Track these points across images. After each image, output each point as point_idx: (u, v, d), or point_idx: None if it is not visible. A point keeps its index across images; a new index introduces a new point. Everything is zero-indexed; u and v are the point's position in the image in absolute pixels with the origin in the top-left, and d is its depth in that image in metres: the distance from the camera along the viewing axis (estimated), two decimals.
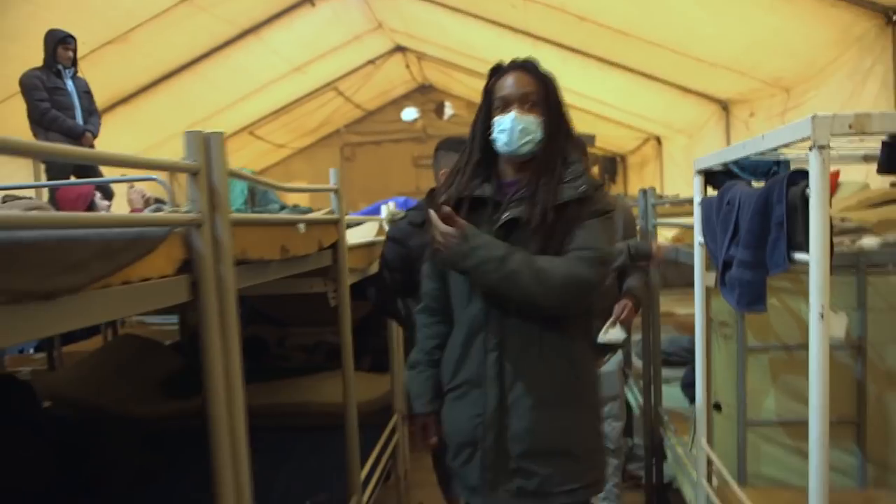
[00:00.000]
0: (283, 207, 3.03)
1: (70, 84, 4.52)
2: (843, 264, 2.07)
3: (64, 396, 3.47)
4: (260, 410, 2.85)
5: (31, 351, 5.20)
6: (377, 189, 9.09)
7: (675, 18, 5.40)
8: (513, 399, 1.62)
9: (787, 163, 2.10)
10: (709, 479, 2.22)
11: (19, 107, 4.53)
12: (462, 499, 1.81)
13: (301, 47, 8.16)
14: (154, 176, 1.71)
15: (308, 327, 4.45)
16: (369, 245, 2.97)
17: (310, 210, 2.87)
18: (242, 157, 10.06)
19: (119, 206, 4.57)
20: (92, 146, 4.50)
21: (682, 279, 4.11)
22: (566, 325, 1.64)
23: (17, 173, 6.20)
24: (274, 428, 3.04)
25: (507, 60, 1.71)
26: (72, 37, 4.51)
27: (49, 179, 4.49)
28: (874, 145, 1.83)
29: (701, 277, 2.23)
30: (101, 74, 5.24)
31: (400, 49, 9.99)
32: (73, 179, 4.39)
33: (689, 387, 2.82)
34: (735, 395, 2.22)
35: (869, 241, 2.11)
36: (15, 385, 2.96)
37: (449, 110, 11.66)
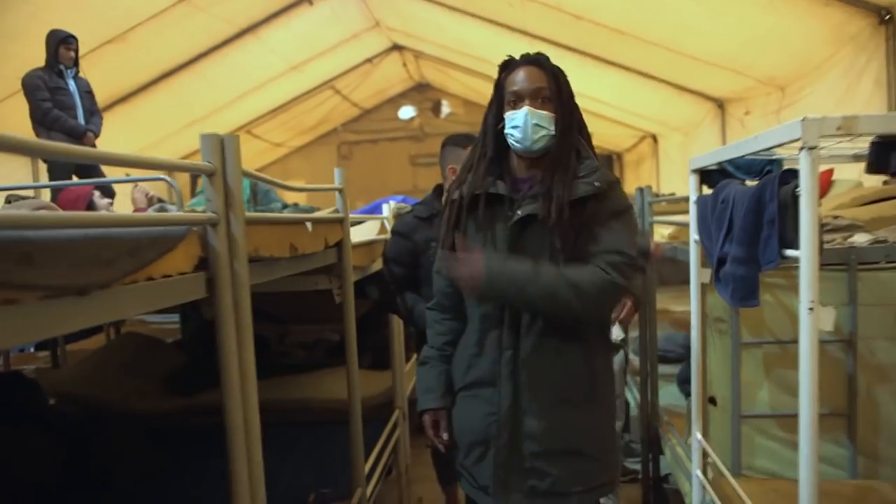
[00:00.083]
0: (285, 206, 3.08)
1: (72, 84, 4.55)
2: (835, 261, 2.11)
3: (68, 393, 3.52)
4: (263, 406, 2.89)
5: (32, 349, 5.24)
6: (374, 188, 9.12)
7: (671, 17, 5.44)
8: (527, 398, 1.60)
9: (779, 162, 2.17)
10: (704, 471, 2.27)
11: (19, 106, 4.56)
12: (467, 496, 1.80)
13: (299, 46, 8.18)
14: (162, 176, 1.75)
15: (308, 325, 4.51)
16: (370, 243, 3.01)
17: (312, 209, 2.92)
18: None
19: (121, 205, 4.60)
20: (94, 146, 4.53)
21: (677, 277, 4.16)
22: (582, 323, 1.62)
23: (17, 172, 6.22)
24: (276, 423, 3.09)
25: (517, 55, 1.68)
26: (73, 37, 4.54)
27: (51, 179, 4.52)
28: (865, 145, 1.89)
29: (696, 274, 2.28)
30: (100, 73, 5.27)
31: (397, 47, 10.02)
32: (75, 179, 4.43)
33: (684, 382, 2.87)
34: (729, 388, 2.27)
35: (860, 238, 2.16)
36: (22, 382, 3.01)
37: (446, 109, 11.71)
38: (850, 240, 2.15)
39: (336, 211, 2.26)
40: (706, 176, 2.29)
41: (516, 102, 1.61)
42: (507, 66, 1.66)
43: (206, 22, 6.57)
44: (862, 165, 2.13)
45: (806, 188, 1.27)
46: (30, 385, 3.04)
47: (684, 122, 7.66)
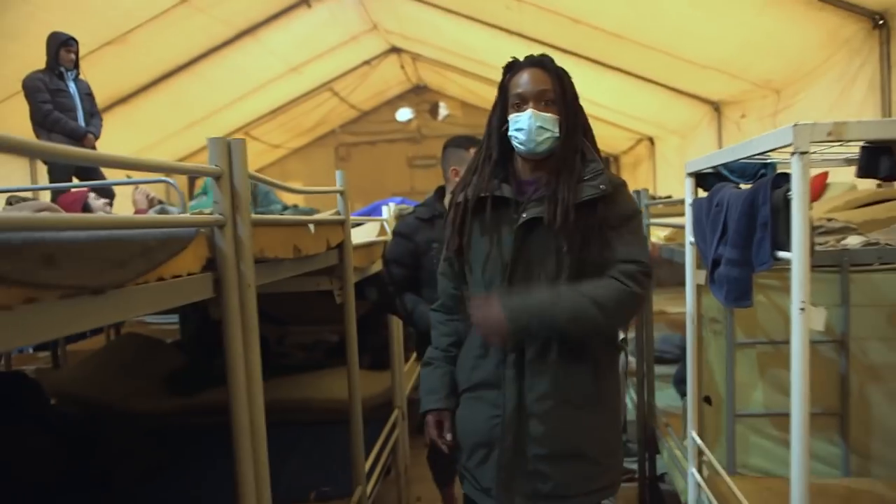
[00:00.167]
0: (285, 208, 3.11)
1: (72, 86, 4.58)
2: (828, 262, 2.14)
3: (69, 394, 3.54)
4: (264, 406, 2.92)
5: (31, 350, 5.26)
6: (372, 189, 9.16)
7: (668, 21, 5.49)
8: (532, 401, 1.59)
9: (773, 165, 2.20)
10: (699, 470, 2.31)
11: (19, 107, 4.58)
12: (467, 497, 1.79)
13: (297, 48, 8.22)
14: (165, 178, 1.78)
15: (307, 326, 4.54)
16: (370, 245, 3.04)
17: (312, 210, 2.95)
18: None
19: (121, 206, 4.62)
20: (94, 148, 4.56)
21: (673, 278, 4.19)
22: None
23: (15, 174, 6.25)
24: (277, 423, 3.11)
25: (520, 57, 1.67)
26: (74, 39, 4.57)
27: (51, 181, 4.54)
28: (857, 149, 1.93)
29: (692, 275, 2.31)
30: (99, 75, 5.29)
31: (395, 50, 10.06)
32: (75, 181, 4.46)
33: (680, 382, 2.91)
34: (724, 388, 2.31)
35: (853, 241, 2.20)
36: (24, 382, 3.03)
37: (443, 111, 11.75)
38: (843, 242, 2.18)
39: (337, 213, 2.29)
40: (702, 179, 2.33)
41: (520, 105, 1.60)
42: (512, 68, 1.66)
43: (205, 23, 6.61)
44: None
45: (797, 192, 1.31)
46: (31, 385, 3.06)
47: (681, 125, 7.70)
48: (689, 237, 2.25)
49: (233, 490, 1.38)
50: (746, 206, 1.57)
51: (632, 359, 3.94)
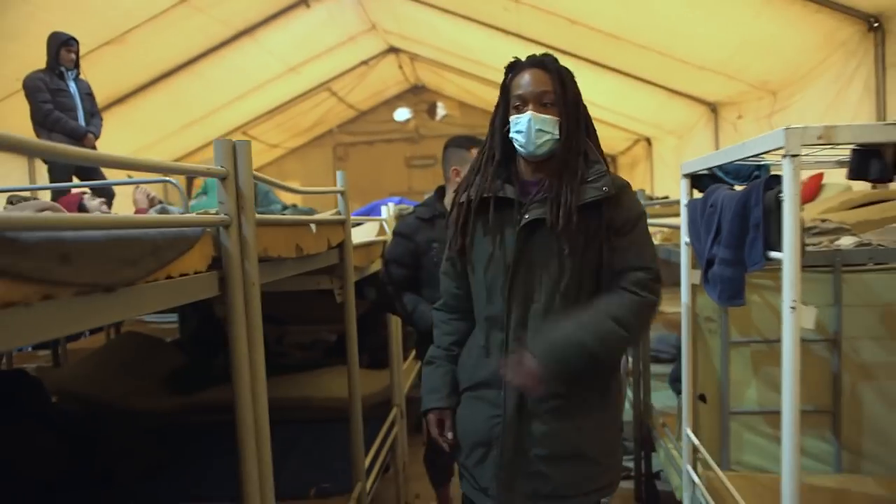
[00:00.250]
0: (284, 207, 3.14)
1: (72, 86, 4.60)
2: (821, 263, 2.18)
3: (70, 392, 3.56)
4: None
5: (30, 349, 5.28)
6: (370, 189, 9.18)
7: (665, 22, 5.52)
8: (533, 401, 1.59)
9: (767, 167, 2.24)
10: (694, 467, 2.34)
11: (19, 106, 4.60)
12: (465, 496, 1.80)
13: (296, 48, 8.24)
14: (170, 179, 1.80)
15: (305, 325, 4.56)
16: (369, 245, 3.07)
17: (311, 210, 2.98)
18: None
19: (122, 205, 4.64)
20: (94, 147, 4.58)
21: (669, 279, 4.23)
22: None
23: (14, 173, 6.27)
24: (277, 421, 3.14)
25: (522, 57, 1.66)
26: (74, 39, 4.58)
27: (51, 180, 4.56)
28: (848, 152, 1.96)
29: (687, 275, 2.35)
30: (98, 74, 5.31)
31: (393, 50, 10.09)
32: (75, 180, 4.48)
33: (676, 381, 2.94)
34: (718, 386, 2.34)
35: (846, 241, 2.23)
36: (26, 380, 3.05)
37: (441, 111, 11.77)
38: (836, 242, 2.22)
39: (338, 213, 2.32)
40: (697, 180, 2.36)
41: (520, 107, 1.59)
42: (513, 68, 1.65)
43: (203, 24, 6.63)
44: None
45: (788, 193, 1.34)
46: (33, 383, 3.08)
47: (678, 126, 7.74)
48: (685, 237, 2.28)
49: (233, 487, 1.40)
50: (739, 208, 1.60)
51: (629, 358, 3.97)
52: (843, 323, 2.26)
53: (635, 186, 3.96)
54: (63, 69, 4.56)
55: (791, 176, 1.33)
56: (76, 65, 4.65)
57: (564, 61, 1.64)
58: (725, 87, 6.13)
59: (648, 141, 9.07)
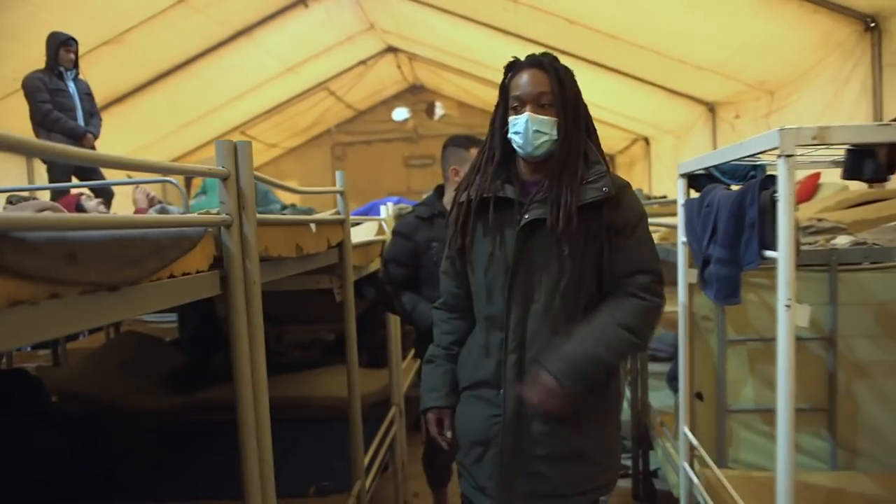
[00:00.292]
0: (283, 207, 3.15)
1: (71, 86, 4.61)
2: (816, 262, 2.19)
3: (70, 391, 3.58)
4: None
5: (29, 349, 5.29)
6: (368, 189, 9.19)
7: (663, 23, 5.53)
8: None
9: (762, 167, 2.26)
10: (691, 464, 2.36)
11: (18, 106, 4.61)
12: (464, 495, 1.80)
13: (294, 48, 8.24)
14: (170, 179, 1.82)
15: (303, 325, 4.58)
16: (368, 244, 3.08)
17: (309, 210, 2.99)
18: None
19: (121, 205, 4.65)
20: (93, 147, 4.59)
21: (667, 278, 4.23)
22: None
23: (11, 173, 6.28)
24: (276, 420, 3.15)
25: (521, 57, 1.65)
26: (73, 39, 4.59)
27: (50, 180, 4.57)
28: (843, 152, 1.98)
29: (684, 274, 2.37)
30: (97, 74, 5.32)
31: (391, 50, 10.09)
32: (75, 180, 4.49)
33: (673, 380, 2.96)
34: (715, 384, 2.36)
35: (841, 240, 2.25)
36: (27, 379, 3.07)
37: (439, 110, 11.78)
38: (832, 242, 2.23)
39: (337, 213, 2.34)
40: (694, 180, 2.37)
41: (518, 107, 1.59)
42: (512, 68, 1.64)
43: (201, 24, 6.63)
44: None
45: (783, 193, 1.36)
46: (33, 382, 3.10)
47: (676, 126, 7.76)
48: (682, 237, 2.30)
49: (233, 486, 1.42)
50: (735, 207, 1.62)
51: None
52: (838, 322, 2.28)
53: (633, 186, 3.99)
54: (62, 69, 4.57)
55: (786, 176, 1.35)
56: (75, 65, 4.66)
57: (563, 61, 1.64)
58: (723, 87, 6.14)
59: (646, 140, 9.09)
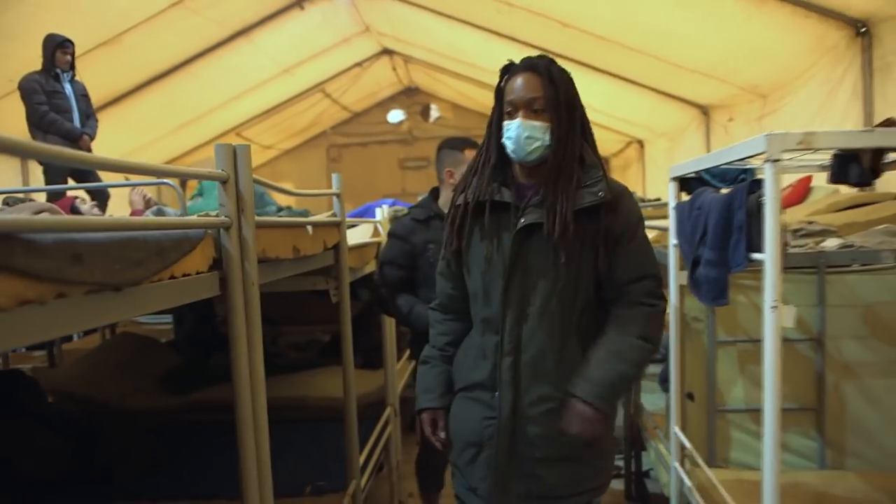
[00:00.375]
0: (279, 209, 3.18)
1: (68, 87, 4.62)
2: (805, 264, 2.23)
3: (66, 392, 3.58)
4: None
5: (23, 349, 5.29)
6: (363, 191, 9.20)
7: (657, 26, 5.57)
8: (528, 404, 1.60)
9: (752, 171, 2.29)
10: (682, 463, 2.39)
11: (15, 107, 4.62)
12: (457, 496, 1.81)
13: (290, 49, 8.25)
14: (168, 181, 1.84)
15: (300, 326, 4.60)
16: (363, 246, 3.11)
17: (305, 212, 3.02)
18: None
19: (117, 206, 4.66)
20: (89, 149, 4.60)
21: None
22: (583, 330, 1.63)
23: (6, 175, 6.28)
24: (272, 420, 3.16)
25: (517, 60, 1.64)
26: (70, 41, 4.61)
27: (47, 182, 4.58)
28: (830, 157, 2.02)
29: (675, 276, 2.40)
30: (94, 76, 5.33)
31: (387, 52, 10.11)
32: (71, 182, 4.50)
33: (665, 381, 2.99)
34: (706, 385, 2.40)
35: (830, 243, 2.28)
36: (23, 380, 3.08)
37: (435, 113, 11.80)
38: (822, 244, 2.27)
39: (333, 215, 2.36)
40: (685, 183, 2.41)
41: (512, 112, 1.59)
42: (508, 71, 1.63)
43: (199, 25, 6.64)
44: None
45: (770, 197, 1.39)
46: (30, 383, 3.11)
47: (670, 128, 7.80)
48: (673, 239, 2.33)
49: (231, 485, 1.44)
50: (724, 210, 1.66)
51: None
52: (826, 323, 2.31)
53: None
54: (59, 71, 4.58)
55: (772, 180, 1.38)
56: (72, 66, 4.67)
57: (558, 63, 1.65)
58: (716, 90, 6.19)
59: (640, 143, 9.13)
